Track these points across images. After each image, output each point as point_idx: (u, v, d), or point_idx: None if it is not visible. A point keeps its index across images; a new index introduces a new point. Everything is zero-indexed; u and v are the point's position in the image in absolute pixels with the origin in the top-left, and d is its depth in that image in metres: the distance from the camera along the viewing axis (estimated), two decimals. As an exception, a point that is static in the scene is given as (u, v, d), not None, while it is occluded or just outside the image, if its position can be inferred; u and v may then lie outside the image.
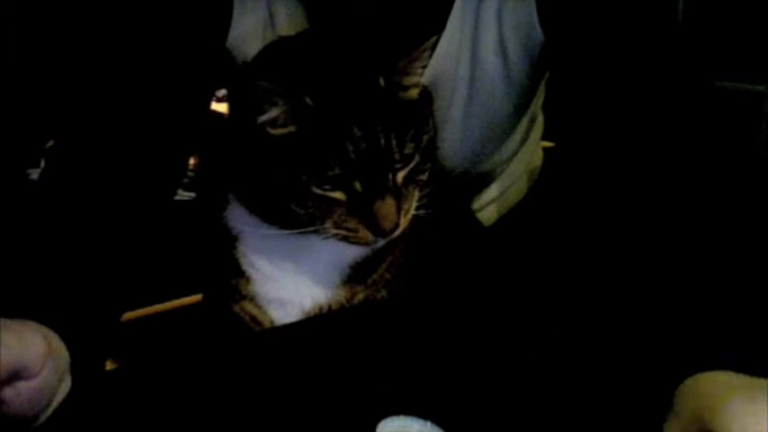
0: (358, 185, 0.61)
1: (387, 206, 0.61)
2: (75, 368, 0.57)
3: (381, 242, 0.64)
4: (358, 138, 0.59)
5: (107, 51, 0.73)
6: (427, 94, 0.70)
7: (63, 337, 0.55)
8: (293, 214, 0.62)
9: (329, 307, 0.72)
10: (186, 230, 0.79)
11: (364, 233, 0.62)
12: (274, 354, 0.66)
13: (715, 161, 0.70)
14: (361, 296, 0.73)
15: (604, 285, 0.73)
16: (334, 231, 0.63)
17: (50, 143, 1.25)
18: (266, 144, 0.62)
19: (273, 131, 0.61)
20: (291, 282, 0.72)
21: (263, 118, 0.61)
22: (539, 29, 0.77)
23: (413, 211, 0.66)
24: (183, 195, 0.98)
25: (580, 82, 0.77)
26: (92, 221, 0.64)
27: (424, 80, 0.70)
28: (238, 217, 0.71)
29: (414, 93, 0.65)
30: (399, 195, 0.62)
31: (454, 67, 0.80)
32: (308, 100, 0.60)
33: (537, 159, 1.08)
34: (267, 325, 0.74)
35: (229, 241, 0.72)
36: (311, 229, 0.63)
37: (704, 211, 0.66)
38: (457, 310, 0.72)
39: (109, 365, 0.75)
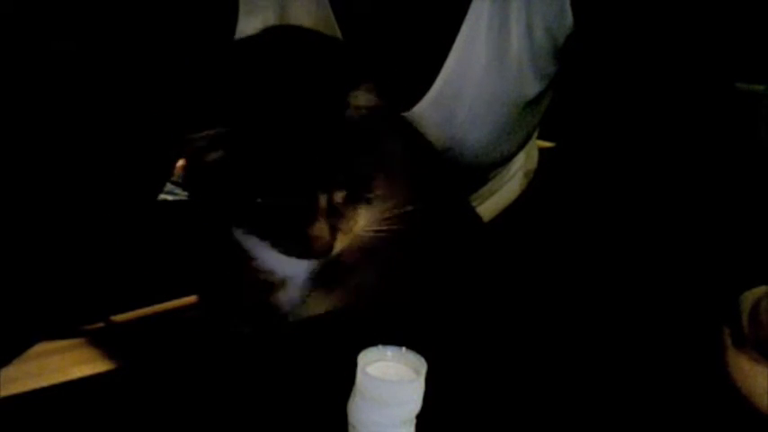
0: (287, 211, 0.60)
1: (318, 229, 0.60)
2: None
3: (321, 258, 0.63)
4: (288, 162, 0.59)
5: (103, 56, 0.72)
6: (383, 110, 0.66)
7: None
8: (236, 225, 0.64)
9: (306, 306, 0.72)
10: (185, 230, 0.79)
11: (300, 252, 0.62)
12: (268, 352, 0.66)
13: (714, 160, 0.70)
14: (343, 297, 0.72)
15: (605, 285, 0.73)
16: (273, 247, 0.63)
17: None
18: (201, 169, 0.62)
19: (206, 158, 0.61)
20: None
21: (196, 137, 0.60)
22: (570, 15, 0.78)
23: (362, 228, 0.64)
24: (182, 195, 0.97)
25: (596, 75, 0.78)
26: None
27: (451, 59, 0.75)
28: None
29: (362, 111, 0.63)
30: (336, 216, 0.62)
31: (481, 47, 0.81)
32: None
33: (533, 158, 1.08)
34: None
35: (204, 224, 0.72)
36: (255, 239, 0.63)
37: (702, 210, 0.66)
38: (457, 307, 0.72)
39: (108, 365, 0.75)
